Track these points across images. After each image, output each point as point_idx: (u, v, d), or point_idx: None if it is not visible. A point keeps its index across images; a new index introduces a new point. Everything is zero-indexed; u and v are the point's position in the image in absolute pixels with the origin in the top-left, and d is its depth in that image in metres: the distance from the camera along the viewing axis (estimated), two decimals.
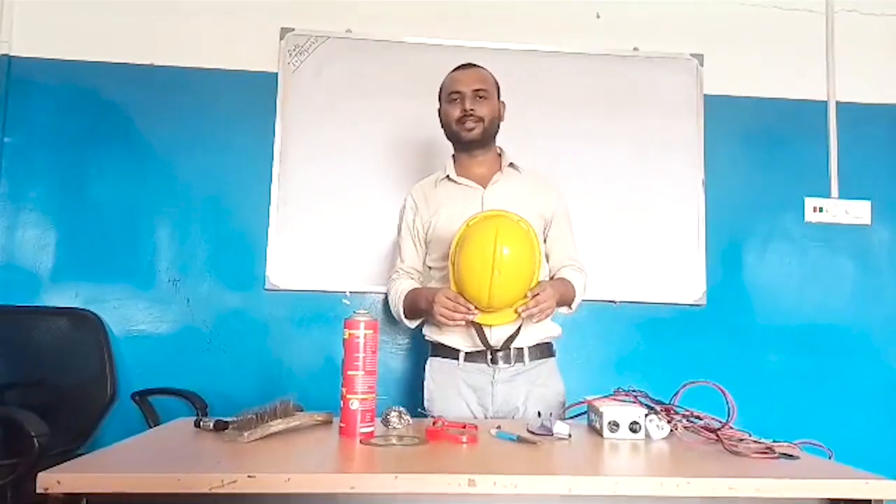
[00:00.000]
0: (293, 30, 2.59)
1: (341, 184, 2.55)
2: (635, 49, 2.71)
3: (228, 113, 2.57)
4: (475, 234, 1.59)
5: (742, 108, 2.72)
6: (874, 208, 2.71)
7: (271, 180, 2.52)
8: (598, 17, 2.73)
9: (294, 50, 2.59)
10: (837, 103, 2.75)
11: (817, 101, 2.75)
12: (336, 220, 2.54)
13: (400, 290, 1.81)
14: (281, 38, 2.59)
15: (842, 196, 2.71)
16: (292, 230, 2.52)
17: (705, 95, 2.69)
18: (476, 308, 1.59)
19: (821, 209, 2.70)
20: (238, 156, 2.55)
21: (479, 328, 1.68)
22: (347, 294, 2.52)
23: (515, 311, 1.60)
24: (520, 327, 1.69)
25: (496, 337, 1.70)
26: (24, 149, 2.51)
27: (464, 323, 1.62)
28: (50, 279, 2.47)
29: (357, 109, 2.57)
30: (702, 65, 2.71)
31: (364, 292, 2.53)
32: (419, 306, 1.75)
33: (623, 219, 2.60)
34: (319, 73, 2.58)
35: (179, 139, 2.55)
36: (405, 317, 1.82)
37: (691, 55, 2.71)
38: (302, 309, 2.52)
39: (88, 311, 2.44)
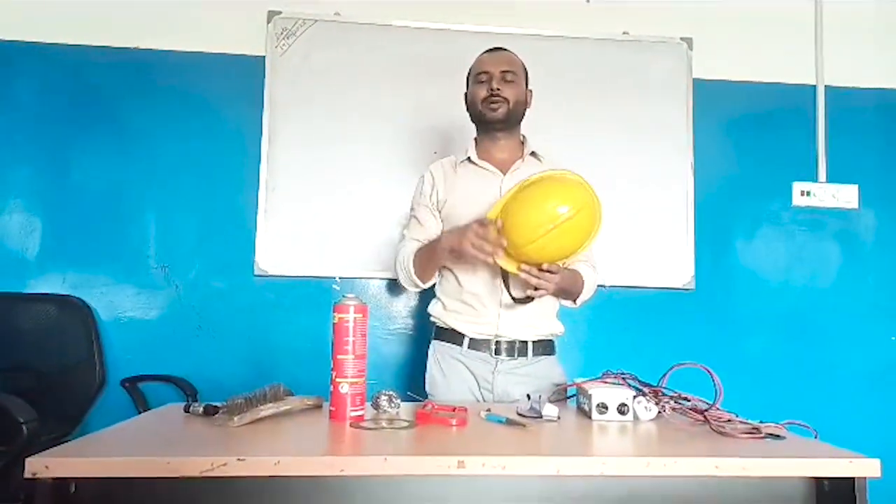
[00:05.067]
0: (280, 13, 2.56)
1: (330, 168, 2.54)
2: (625, 33, 2.70)
3: (215, 97, 2.54)
4: (569, 184, 1.52)
5: (731, 92, 2.72)
6: (861, 192, 2.73)
7: (259, 165, 2.50)
8: (588, 0, 2.72)
9: (282, 33, 2.56)
10: (826, 87, 2.75)
11: (806, 85, 2.76)
12: (325, 205, 2.53)
13: (409, 249, 1.75)
14: (268, 21, 2.56)
15: (829, 180, 2.73)
16: (281, 216, 2.50)
17: (694, 79, 2.69)
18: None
19: (808, 193, 2.71)
20: (226, 140, 2.53)
21: (505, 276, 1.64)
22: (337, 279, 2.52)
23: (519, 267, 1.54)
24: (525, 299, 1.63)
25: (505, 328, 1.69)
26: (7, 134, 2.48)
27: (492, 261, 1.53)
28: (36, 265, 2.45)
29: (345, 93, 2.55)
30: (691, 49, 2.70)
31: (354, 277, 2.53)
32: (434, 253, 1.67)
33: (611, 202, 2.53)
34: (307, 57, 2.56)
35: (166, 124, 2.52)
36: (415, 273, 1.73)
37: (681, 39, 2.71)
38: (291, 294, 2.51)
39: (76, 297, 2.43)
